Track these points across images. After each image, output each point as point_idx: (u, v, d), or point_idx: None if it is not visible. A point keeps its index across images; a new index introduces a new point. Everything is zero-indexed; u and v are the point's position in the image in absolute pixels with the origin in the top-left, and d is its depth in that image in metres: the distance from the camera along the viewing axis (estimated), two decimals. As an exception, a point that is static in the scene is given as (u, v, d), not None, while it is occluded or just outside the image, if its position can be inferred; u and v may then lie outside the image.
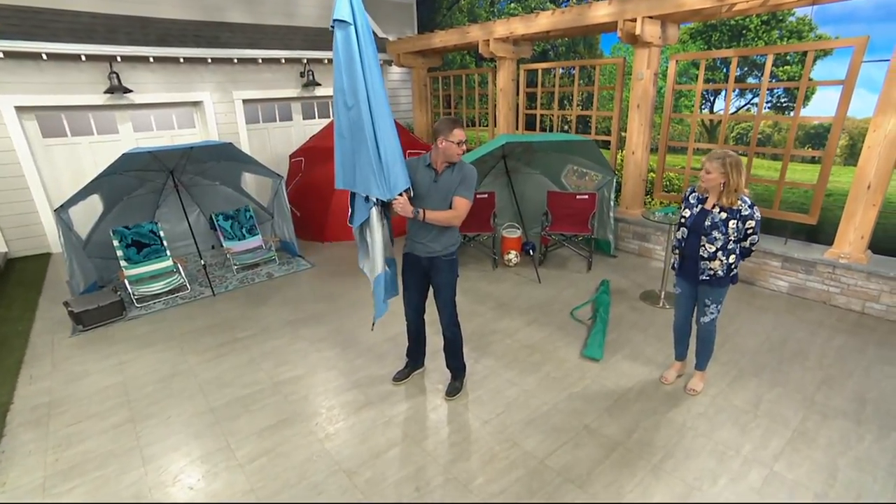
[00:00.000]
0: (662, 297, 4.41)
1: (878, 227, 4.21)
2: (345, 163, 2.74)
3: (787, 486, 2.35)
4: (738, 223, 2.56)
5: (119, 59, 5.93)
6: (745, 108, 6.26)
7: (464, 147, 2.70)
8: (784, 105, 6.01)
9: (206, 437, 2.86)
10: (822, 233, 4.77)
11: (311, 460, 2.65)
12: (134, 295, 4.59)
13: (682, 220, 2.75)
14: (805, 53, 4.49)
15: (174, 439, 2.84)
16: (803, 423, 2.79)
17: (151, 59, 6.12)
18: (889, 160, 3.91)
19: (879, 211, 4.06)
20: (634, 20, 4.81)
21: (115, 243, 4.78)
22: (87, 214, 5.01)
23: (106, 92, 5.97)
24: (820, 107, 5.60)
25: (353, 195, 2.85)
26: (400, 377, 3.37)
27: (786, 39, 5.86)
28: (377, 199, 2.71)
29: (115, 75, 5.97)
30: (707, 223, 2.62)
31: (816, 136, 5.83)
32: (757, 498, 2.29)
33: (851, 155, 5.59)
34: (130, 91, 6.10)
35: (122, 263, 4.78)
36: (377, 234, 2.79)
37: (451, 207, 2.77)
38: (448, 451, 2.69)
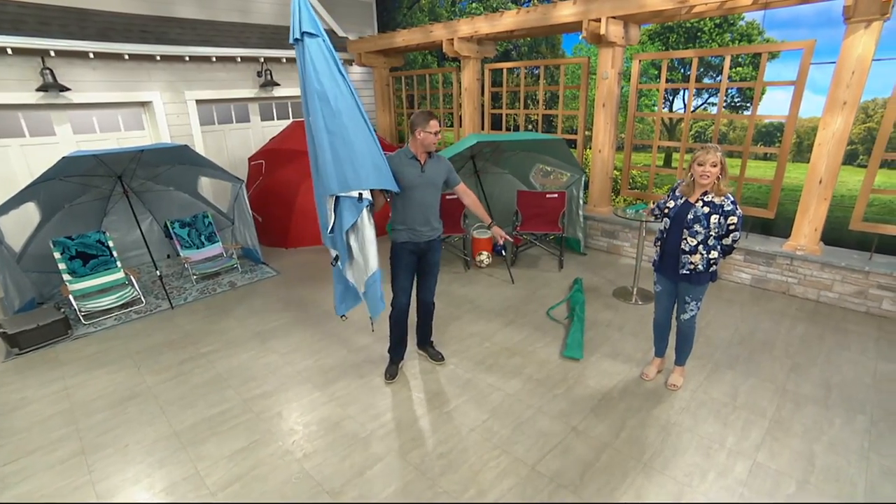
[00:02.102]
0: (635, 293, 4.48)
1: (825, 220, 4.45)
2: (341, 166, 2.75)
3: (771, 475, 2.41)
4: (720, 218, 2.61)
5: (53, 53, 5.42)
6: (702, 107, 6.50)
7: (439, 136, 2.96)
8: (737, 105, 6.29)
9: (170, 464, 2.62)
10: (774, 226, 5.01)
11: (290, 483, 2.47)
12: (80, 311, 4.21)
13: (667, 212, 2.77)
14: (757, 55, 4.70)
15: (134, 470, 2.59)
16: (778, 412, 2.88)
17: (91, 55, 5.64)
18: (837, 156, 4.14)
19: (829, 204, 4.30)
20: (599, 20, 4.87)
21: (57, 255, 4.36)
22: (21, 224, 4.55)
23: (39, 90, 5.45)
24: (769, 107, 5.88)
25: (336, 201, 2.86)
26: (392, 375, 3.36)
27: (737, 42, 6.13)
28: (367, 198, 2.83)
29: (48, 71, 5.45)
30: (690, 216, 2.65)
31: (767, 135, 6.13)
32: (745, 490, 2.33)
33: (799, 152, 5.92)
34: (68, 89, 5.59)
35: (66, 277, 4.37)
36: (369, 231, 2.90)
37: (439, 195, 3.12)
38: (435, 462, 2.58)
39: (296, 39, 2.70)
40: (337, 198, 2.84)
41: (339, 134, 2.72)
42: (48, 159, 5.05)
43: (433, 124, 2.88)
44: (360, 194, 2.79)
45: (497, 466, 2.54)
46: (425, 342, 3.59)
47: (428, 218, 3.07)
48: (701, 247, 2.66)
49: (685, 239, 2.68)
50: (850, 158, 4.47)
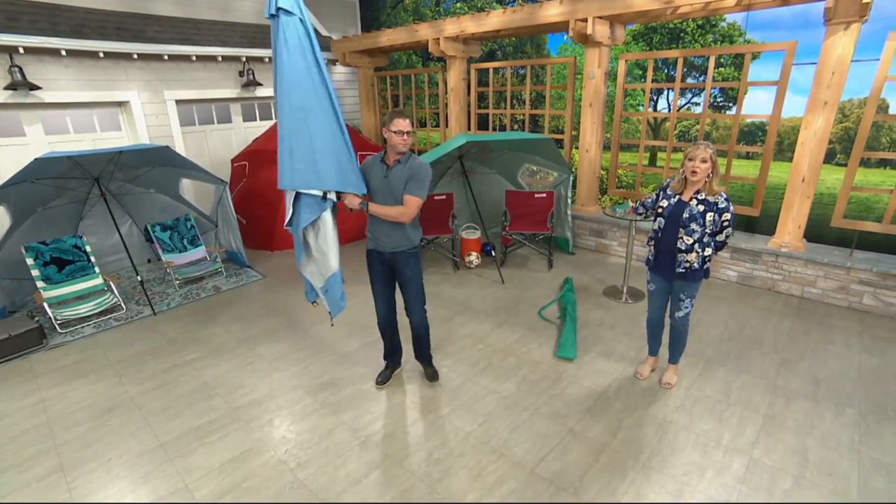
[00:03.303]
0: (625, 292, 4.51)
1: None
2: (302, 161, 2.61)
3: (768, 472, 2.43)
4: (714, 216, 2.62)
5: (22, 50, 5.20)
6: (685, 107, 6.60)
7: (406, 137, 2.68)
8: (719, 105, 6.40)
9: (157, 479, 2.52)
10: (757, 224, 5.10)
11: (284, 494, 2.40)
12: (56, 320, 4.03)
13: (660, 211, 2.78)
14: (738, 56, 4.78)
15: (118, 486, 2.48)
16: (771, 408, 2.91)
17: (64, 53, 5.43)
18: (819, 155, 4.22)
19: (812, 202, 4.39)
20: (585, 20, 4.89)
21: (30, 261, 4.17)
22: (-9, 230, 4.35)
23: (7, 88, 5.22)
24: (749, 106, 6.01)
25: (297, 196, 2.75)
26: (383, 380, 3.28)
27: (719, 43, 6.23)
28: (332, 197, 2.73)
29: (17, 69, 5.22)
30: (685, 215, 2.66)
31: (749, 134, 6.25)
32: (743, 486, 2.34)
33: (779, 151, 6.04)
34: (39, 88, 5.37)
35: (40, 284, 4.19)
36: (331, 231, 2.81)
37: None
38: (433, 468, 2.54)
39: (271, 15, 2.47)
40: (298, 193, 2.69)
41: (305, 126, 2.56)
42: (17, 161, 4.83)
43: (398, 122, 2.63)
44: (325, 193, 2.67)
45: (496, 470, 2.50)
46: (420, 357, 3.33)
47: (388, 228, 2.81)
48: (697, 245, 2.68)
49: (681, 238, 2.69)
50: (827, 157, 4.57)
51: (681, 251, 2.71)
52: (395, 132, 2.65)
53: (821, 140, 4.15)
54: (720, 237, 2.70)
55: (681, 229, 2.68)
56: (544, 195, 5.40)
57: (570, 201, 5.57)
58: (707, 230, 2.65)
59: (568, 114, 5.99)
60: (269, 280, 5.20)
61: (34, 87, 5.33)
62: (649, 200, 2.97)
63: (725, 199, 2.63)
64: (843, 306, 4.24)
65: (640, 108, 6.50)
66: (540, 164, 5.81)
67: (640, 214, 3.08)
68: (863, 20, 3.73)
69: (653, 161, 6.72)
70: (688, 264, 2.72)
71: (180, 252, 5.19)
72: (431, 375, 3.30)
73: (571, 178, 5.52)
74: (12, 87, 5.21)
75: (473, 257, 5.40)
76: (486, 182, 6.10)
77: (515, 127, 7.19)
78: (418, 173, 2.73)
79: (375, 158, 2.85)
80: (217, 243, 5.53)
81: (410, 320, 3.08)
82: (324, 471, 2.53)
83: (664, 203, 2.77)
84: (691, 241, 2.67)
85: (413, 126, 2.74)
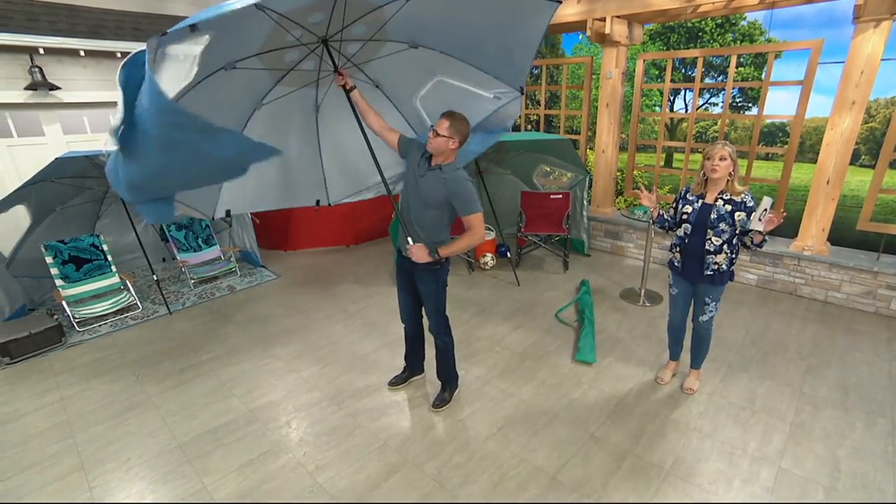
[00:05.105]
0: (643, 294, 4.43)
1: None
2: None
3: (798, 483, 2.36)
4: (743, 214, 2.56)
5: (42, 51, 5.24)
6: (703, 107, 6.51)
7: (432, 136, 2.37)
8: (738, 105, 6.31)
9: (175, 479, 2.51)
10: (777, 227, 4.98)
11: (303, 497, 2.38)
12: (74, 318, 4.06)
13: (685, 217, 2.71)
14: (759, 55, 4.69)
15: (137, 486, 2.47)
16: (798, 416, 2.84)
17: (82, 53, 5.47)
18: (846, 156, 4.12)
19: (837, 204, 4.29)
20: (603, 19, 4.82)
21: (49, 260, 4.20)
22: (10, 228, 4.38)
23: (27, 88, 5.27)
24: (769, 106, 5.91)
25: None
26: (396, 382, 3.22)
27: (739, 42, 6.13)
28: None
29: (37, 69, 5.27)
30: (713, 216, 2.60)
31: (769, 135, 6.15)
32: (773, 497, 2.28)
33: (800, 152, 5.93)
34: (58, 88, 5.42)
35: (59, 283, 4.22)
36: None
37: (429, 216, 2.54)
38: (453, 473, 2.50)
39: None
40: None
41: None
42: (36, 160, 4.87)
43: (440, 121, 2.36)
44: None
45: (517, 476, 2.46)
46: (437, 375, 3.08)
47: (407, 232, 2.58)
48: (725, 246, 2.62)
49: (709, 240, 2.63)
50: (851, 158, 4.46)
51: (709, 253, 2.65)
52: (433, 128, 2.38)
53: (847, 141, 4.05)
54: (757, 238, 2.58)
55: (709, 231, 2.62)
56: (560, 196, 5.33)
57: (585, 202, 5.51)
58: (736, 230, 2.59)
59: (584, 114, 5.92)
60: (283, 280, 5.20)
61: (53, 87, 5.37)
62: (671, 216, 2.84)
63: (752, 199, 2.57)
64: (869, 311, 4.14)
65: (657, 108, 6.42)
66: (555, 165, 5.75)
67: (665, 229, 2.92)
68: (894, 17, 3.63)
69: (668, 162, 6.63)
70: (716, 266, 2.66)
71: (195, 251, 5.20)
72: (437, 402, 3.00)
73: (587, 180, 5.45)
74: (32, 87, 5.26)
75: (488, 258, 5.35)
76: (501, 183, 6.05)
77: (529, 127, 7.14)
78: (462, 193, 2.42)
79: (421, 145, 2.52)
80: (231, 243, 5.54)
81: (430, 330, 2.94)
82: (342, 474, 2.50)
83: (688, 209, 2.71)
84: (720, 241, 2.61)
85: (456, 135, 2.38)
